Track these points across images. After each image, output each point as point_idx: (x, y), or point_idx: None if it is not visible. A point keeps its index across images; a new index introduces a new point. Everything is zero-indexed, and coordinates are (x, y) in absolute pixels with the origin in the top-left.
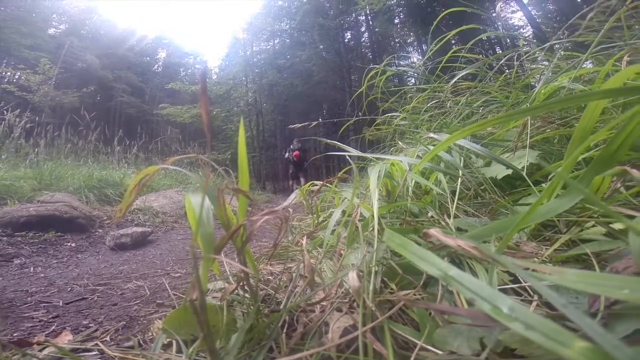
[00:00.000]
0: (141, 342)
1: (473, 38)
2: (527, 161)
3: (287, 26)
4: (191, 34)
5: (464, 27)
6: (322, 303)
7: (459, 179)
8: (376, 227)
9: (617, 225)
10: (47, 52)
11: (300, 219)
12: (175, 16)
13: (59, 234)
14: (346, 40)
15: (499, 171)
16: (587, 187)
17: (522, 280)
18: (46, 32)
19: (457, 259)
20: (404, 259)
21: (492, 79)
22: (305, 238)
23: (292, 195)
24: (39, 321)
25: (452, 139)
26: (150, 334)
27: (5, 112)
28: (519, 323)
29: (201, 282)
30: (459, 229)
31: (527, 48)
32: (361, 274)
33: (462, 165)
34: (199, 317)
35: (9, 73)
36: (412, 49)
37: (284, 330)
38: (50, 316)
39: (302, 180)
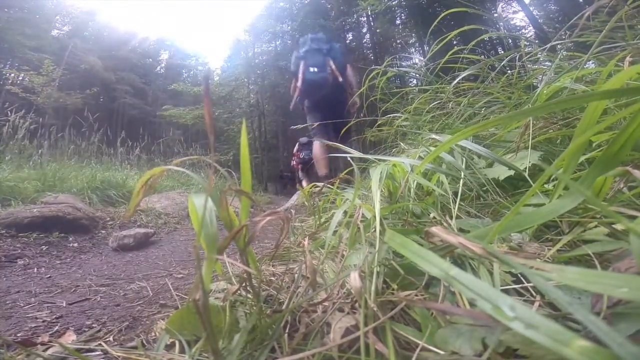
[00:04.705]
0: (144, 342)
1: (475, 39)
2: (529, 162)
3: (289, 27)
4: (193, 36)
5: (465, 28)
6: (324, 303)
7: (461, 180)
8: (378, 228)
9: (620, 226)
10: (51, 53)
11: (302, 220)
12: (178, 18)
13: (63, 234)
14: (348, 41)
15: (501, 172)
16: (589, 187)
17: (524, 281)
18: (50, 33)
19: (459, 259)
20: (405, 260)
21: (494, 79)
22: (307, 239)
23: (294, 197)
24: (43, 321)
25: (453, 140)
26: (153, 334)
27: (9, 113)
28: (519, 322)
29: (204, 283)
30: (461, 230)
31: (529, 49)
32: (363, 274)
33: (464, 166)
34: (202, 317)
35: (12, 74)
36: (413, 50)
37: (286, 331)
38: (54, 316)
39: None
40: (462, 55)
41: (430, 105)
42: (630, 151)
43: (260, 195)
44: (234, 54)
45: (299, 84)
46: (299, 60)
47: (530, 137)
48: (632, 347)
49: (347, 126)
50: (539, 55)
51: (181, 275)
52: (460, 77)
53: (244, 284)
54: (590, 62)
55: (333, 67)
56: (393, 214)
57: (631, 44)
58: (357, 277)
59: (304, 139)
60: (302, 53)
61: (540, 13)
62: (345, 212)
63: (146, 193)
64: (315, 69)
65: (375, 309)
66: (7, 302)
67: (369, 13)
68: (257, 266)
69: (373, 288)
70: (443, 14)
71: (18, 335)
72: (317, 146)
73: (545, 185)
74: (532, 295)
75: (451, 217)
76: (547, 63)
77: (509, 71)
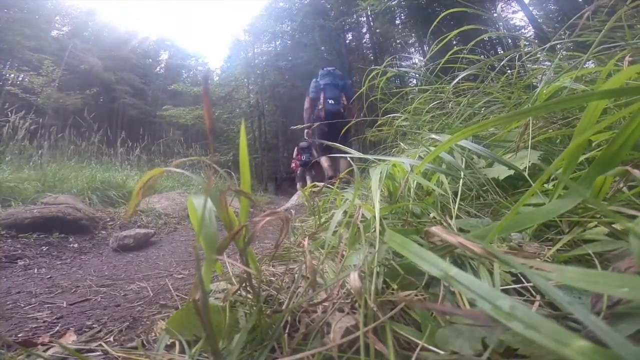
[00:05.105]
0: (144, 342)
1: (474, 39)
2: (529, 162)
3: (289, 27)
4: (193, 36)
5: (465, 28)
6: (324, 304)
7: (461, 180)
8: (378, 228)
9: (619, 226)
10: (50, 54)
11: (302, 220)
12: (177, 18)
13: (63, 235)
14: (347, 42)
15: (501, 172)
16: (589, 187)
17: (524, 281)
18: (49, 34)
19: (459, 259)
20: (405, 260)
21: (493, 79)
22: (307, 239)
23: (294, 197)
24: (43, 322)
25: (453, 140)
26: (153, 334)
27: (9, 113)
28: (519, 322)
29: (204, 283)
30: (460, 230)
31: (529, 48)
32: (363, 274)
33: (463, 166)
34: (202, 317)
35: (12, 75)
36: (413, 50)
37: (286, 331)
38: (54, 317)
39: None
40: (461, 55)
41: (430, 105)
42: (630, 151)
43: (260, 195)
44: (234, 54)
45: (320, 107)
46: (320, 90)
47: (530, 137)
48: (632, 347)
49: (345, 127)
50: (538, 55)
51: (181, 275)
52: (459, 77)
53: (244, 284)
54: (590, 61)
55: (344, 102)
56: (393, 214)
57: (630, 43)
58: (357, 277)
59: (303, 143)
60: (322, 85)
61: (539, 13)
62: (345, 212)
63: (146, 194)
64: (332, 102)
65: (375, 309)
66: (8, 302)
67: (369, 13)
68: (257, 266)
69: (373, 288)
70: (443, 14)
71: (19, 335)
72: (323, 160)
73: (545, 185)
74: (532, 295)
75: (451, 217)
76: (546, 63)
77: (509, 71)
